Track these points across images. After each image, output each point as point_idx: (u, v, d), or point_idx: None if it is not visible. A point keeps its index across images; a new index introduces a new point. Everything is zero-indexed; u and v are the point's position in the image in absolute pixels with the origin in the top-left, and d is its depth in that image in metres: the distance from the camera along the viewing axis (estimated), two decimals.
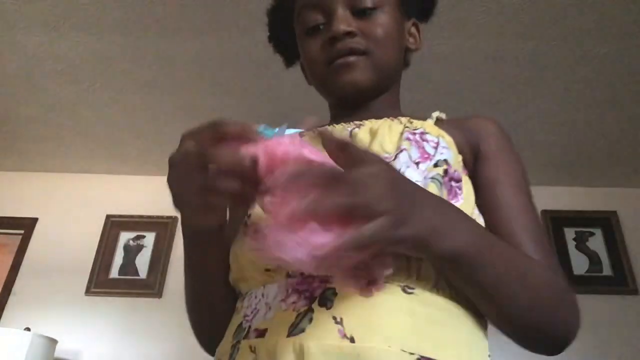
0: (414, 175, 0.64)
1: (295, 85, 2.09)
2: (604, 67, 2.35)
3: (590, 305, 2.85)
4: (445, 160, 0.67)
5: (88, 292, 3.02)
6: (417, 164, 0.66)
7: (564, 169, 3.11)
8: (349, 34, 0.78)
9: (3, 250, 4.35)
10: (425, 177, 0.64)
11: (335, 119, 0.87)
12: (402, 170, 0.63)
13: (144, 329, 2.92)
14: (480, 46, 2.27)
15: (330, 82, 0.81)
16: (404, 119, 0.77)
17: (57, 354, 2.63)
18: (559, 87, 2.49)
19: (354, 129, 0.76)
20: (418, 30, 0.91)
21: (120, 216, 3.26)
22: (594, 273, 2.98)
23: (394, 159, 0.66)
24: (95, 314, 2.96)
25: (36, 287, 3.05)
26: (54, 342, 2.60)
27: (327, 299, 0.56)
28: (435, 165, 0.66)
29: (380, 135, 0.72)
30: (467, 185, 0.69)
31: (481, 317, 0.63)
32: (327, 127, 0.81)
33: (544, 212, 3.12)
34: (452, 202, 0.63)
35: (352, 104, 0.84)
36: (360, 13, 0.79)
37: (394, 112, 0.82)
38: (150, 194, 3.32)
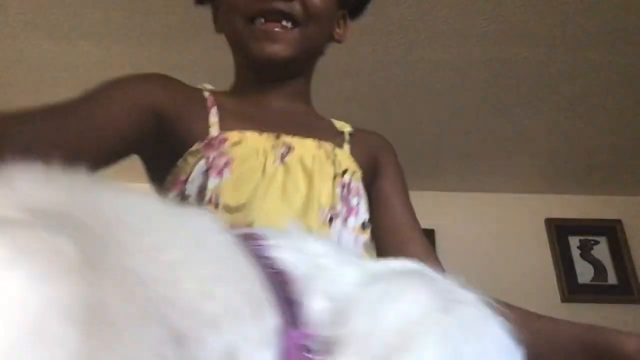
0: (347, 238, 0.67)
1: None
2: (609, 75, 2.35)
3: (595, 314, 2.84)
4: (366, 222, 0.72)
5: None
6: (345, 221, 0.68)
7: (569, 176, 3.10)
8: (288, 2, 0.71)
9: None
10: (356, 240, 0.67)
11: (241, 84, 0.83)
12: (337, 237, 0.65)
13: None
14: (484, 54, 2.27)
15: (246, 43, 0.75)
16: (328, 146, 0.74)
17: None
18: (563, 95, 2.49)
19: (283, 152, 0.69)
20: (345, 22, 0.87)
21: None
22: (598, 282, 2.96)
23: (329, 223, 0.66)
24: None
25: None
26: None
27: None
28: (363, 226, 0.69)
29: (317, 183, 0.68)
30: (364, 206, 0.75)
31: None
32: (249, 132, 0.73)
33: (548, 220, 3.12)
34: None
35: (262, 76, 0.80)
36: None
37: (303, 100, 0.83)
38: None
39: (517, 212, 3.17)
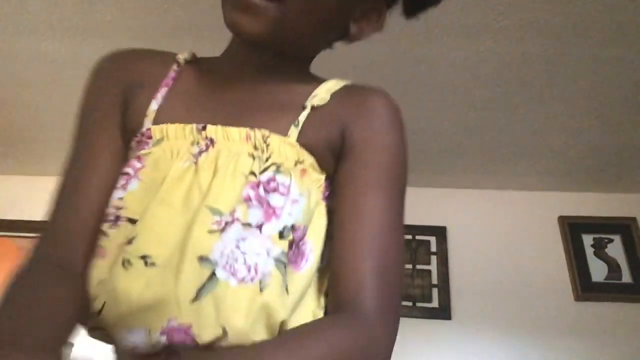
0: (255, 246, 0.54)
1: None
2: (623, 71, 2.32)
3: (609, 313, 2.82)
4: (293, 227, 0.58)
5: None
6: (259, 227, 0.56)
7: (582, 174, 3.07)
8: None
9: (20, 253, 4.40)
10: (268, 253, 0.55)
11: (226, 57, 0.74)
12: (230, 249, 0.54)
13: None
14: (497, 51, 2.25)
15: (225, 17, 0.65)
16: (260, 136, 0.61)
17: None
18: (577, 92, 2.46)
19: (202, 149, 0.61)
20: (379, 17, 0.73)
21: None
22: (612, 280, 2.93)
23: (222, 231, 0.55)
24: None
25: None
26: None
27: None
28: (281, 235, 0.57)
29: (218, 184, 0.58)
30: (318, 222, 0.62)
31: None
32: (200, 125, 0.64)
33: (562, 218, 3.09)
34: (299, 267, 0.58)
35: (246, 48, 0.70)
36: None
37: (290, 77, 0.70)
38: None
39: (530, 210, 3.15)
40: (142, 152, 0.62)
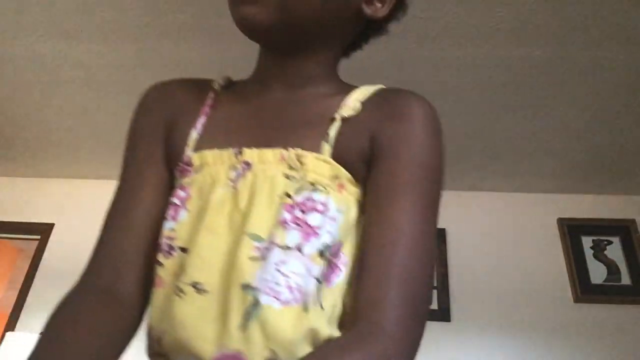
0: (296, 267, 0.55)
1: None
2: (622, 73, 2.32)
3: (608, 315, 2.81)
4: (331, 244, 0.58)
5: None
6: (299, 248, 0.56)
7: (582, 176, 3.07)
8: None
9: (20, 255, 4.40)
10: (309, 272, 0.55)
11: (255, 77, 0.75)
12: (271, 274, 0.55)
13: None
14: (497, 53, 2.25)
15: (232, 13, 0.66)
16: (294, 156, 0.62)
17: None
18: (577, 94, 2.46)
19: (239, 173, 0.62)
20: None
21: None
22: (612, 282, 2.93)
23: (262, 258, 0.55)
24: None
25: (52, 292, 3.07)
26: None
27: None
28: (321, 253, 0.57)
29: (255, 210, 0.58)
30: (355, 235, 0.61)
31: None
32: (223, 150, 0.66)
33: (561, 220, 3.09)
34: (330, 282, 0.57)
35: (262, 45, 0.73)
36: None
37: (310, 84, 0.71)
38: None
39: (529, 211, 3.15)
40: (185, 180, 0.65)
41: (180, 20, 2.21)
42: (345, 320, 0.58)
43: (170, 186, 0.68)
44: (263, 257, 0.56)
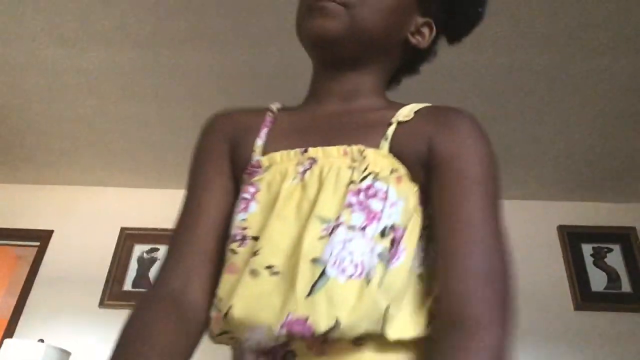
0: (361, 246, 0.61)
1: None
2: (622, 80, 2.32)
3: (608, 323, 2.80)
4: (392, 226, 0.63)
5: (102, 304, 3.03)
6: (363, 229, 0.62)
7: (582, 183, 3.07)
8: None
9: (19, 261, 4.40)
10: (372, 251, 0.61)
11: (309, 91, 0.83)
12: (338, 250, 0.60)
13: None
14: (497, 59, 2.26)
15: (302, 28, 0.76)
16: (356, 150, 0.69)
17: None
18: (576, 101, 2.47)
19: (306, 167, 0.69)
20: (431, 32, 0.84)
21: (134, 229, 3.27)
22: (612, 290, 2.93)
23: (330, 234, 0.62)
24: (108, 326, 2.96)
25: (51, 298, 3.07)
26: (67, 354, 2.60)
27: None
28: (383, 234, 0.62)
29: (323, 195, 0.65)
30: (414, 225, 0.66)
31: None
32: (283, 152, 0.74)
33: (561, 227, 3.09)
34: (393, 265, 0.62)
35: (322, 61, 0.80)
36: None
37: (363, 97, 0.79)
38: (164, 207, 3.32)
39: (529, 219, 3.14)
40: (255, 179, 0.71)
41: (181, 27, 2.22)
42: (438, 313, 0.61)
43: (236, 197, 0.74)
44: (331, 233, 0.62)
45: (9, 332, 2.94)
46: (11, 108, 2.80)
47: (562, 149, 2.79)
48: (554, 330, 2.79)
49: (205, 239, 0.71)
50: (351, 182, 0.65)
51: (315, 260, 0.60)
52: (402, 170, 0.68)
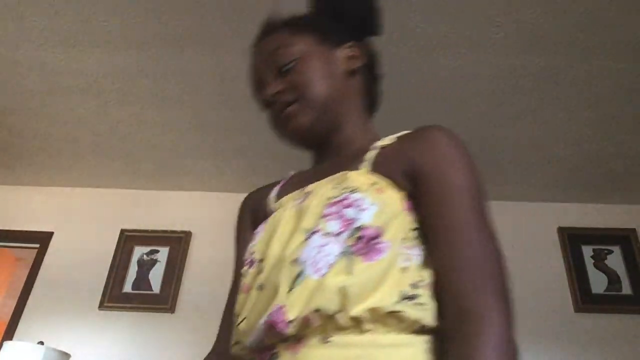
0: (335, 249, 0.68)
1: None
2: (622, 82, 2.33)
3: (609, 325, 2.80)
4: (359, 227, 0.69)
5: (101, 306, 3.03)
6: (338, 234, 0.69)
7: (582, 185, 3.07)
8: (277, 93, 0.88)
9: (19, 263, 4.39)
10: (344, 250, 0.68)
11: (314, 161, 0.96)
12: (314, 253, 0.68)
13: (157, 343, 2.91)
14: (496, 62, 2.26)
15: (284, 137, 0.91)
16: (340, 175, 0.79)
17: None
18: (576, 103, 2.47)
19: (302, 201, 0.79)
20: (355, 47, 0.94)
21: (134, 231, 3.27)
22: (612, 292, 2.92)
23: (305, 241, 0.70)
24: (108, 328, 2.96)
25: (50, 300, 3.06)
26: (67, 356, 2.60)
27: None
28: (352, 234, 0.69)
29: (308, 212, 0.75)
30: (398, 227, 0.71)
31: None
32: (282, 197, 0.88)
33: (561, 229, 3.08)
34: (370, 258, 0.67)
35: (311, 146, 0.93)
36: (284, 71, 0.88)
37: (356, 145, 0.89)
38: (164, 209, 3.33)
39: (529, 220, 3.15)
40: (269, 219, 0.84)
41: (181, 29, 2.22)
42: (443, 306, 0.66)
43: None
44: (308, 238, 0.70)
45: (9, 334, 2.94)
46: (11, 109, 2.80)
47: (562, 150, 2.79)
48: (555, 332, 2.79)
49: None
50: (330, 197, 0.74)
51: (294, 261, 0.69)
52: (384, 182, 0.75)
